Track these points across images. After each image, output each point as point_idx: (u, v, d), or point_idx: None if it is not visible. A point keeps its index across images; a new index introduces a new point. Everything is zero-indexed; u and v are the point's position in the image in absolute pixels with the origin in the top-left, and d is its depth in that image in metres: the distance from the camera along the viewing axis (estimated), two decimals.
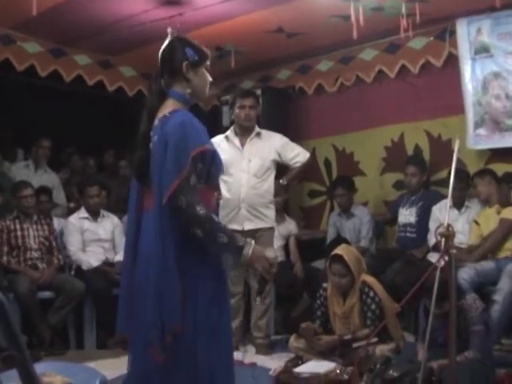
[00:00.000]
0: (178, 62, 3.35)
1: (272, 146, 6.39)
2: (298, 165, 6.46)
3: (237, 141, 6.40)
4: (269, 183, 6.37)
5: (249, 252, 3.12)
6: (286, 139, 6.53)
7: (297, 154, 6.45)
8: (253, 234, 6.18)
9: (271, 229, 6.42)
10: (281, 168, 6.55)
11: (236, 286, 6.37)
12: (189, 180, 3.05)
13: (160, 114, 3.26)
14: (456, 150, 4.36)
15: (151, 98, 3.38)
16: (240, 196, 6.30)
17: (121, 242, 7.36)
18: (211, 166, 3.22)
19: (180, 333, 3.02)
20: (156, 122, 3.27)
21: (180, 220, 3.05)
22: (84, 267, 7.05)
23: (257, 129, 6.43)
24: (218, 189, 3.89)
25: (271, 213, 6.41)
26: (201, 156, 3.13)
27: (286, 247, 7.72)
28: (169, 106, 3.26)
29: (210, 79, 3.46)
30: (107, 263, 7.18)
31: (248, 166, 6.30)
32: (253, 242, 3.18)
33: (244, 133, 6.40)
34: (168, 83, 3.34)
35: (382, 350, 5.19)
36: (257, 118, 6.51)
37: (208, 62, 3.46)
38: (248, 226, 6.31)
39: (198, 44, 3.45)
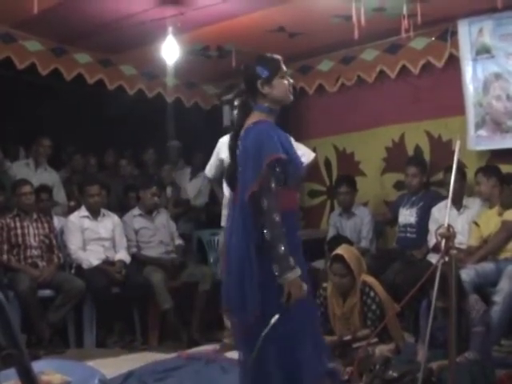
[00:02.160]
0: (253, 82, 3.79)
1: None
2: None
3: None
4: None
5: (292, 276, 3.45)
6: (290, 139, 6.42)
7: (302, 155, 6.33)
8: None
9: None
10: None
11: None
12: (269, 184, 3.54)
13: (246, 125, 3.73)
14: (457, 150, 4.35)
15: (237, 112, 3.89)
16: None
17: (121, 240, 7.39)
18: (287, 169, 3.69)
19: (260, 316, 3.48)
20: (242, 132, 3.75)
21: (258, 218, 3.52)
22: (84, 266, 7.05)
23: None
24: (297, 189, 3.99)
25: None
26: (275, 162, 3.61)
27: None
28: (253, 118, 3.75)
29: (289, 81, 3.85)
30: (107, 262, 7.18)
31: None
32: (299, 271, 3.49)
33: None
34: (253, 99, 3.81)
35: (382, 350, 5.18)
36: None
37: (283, 69, 3.85)
38: None
39: (269, 57, 3.87)
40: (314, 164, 6.62)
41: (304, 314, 3.69)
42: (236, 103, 3.93)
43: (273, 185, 3.55)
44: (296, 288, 3.48)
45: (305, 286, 3.54)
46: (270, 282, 3.51)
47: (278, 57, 3.91)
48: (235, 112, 3.94)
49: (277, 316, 3.45)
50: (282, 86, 3.83)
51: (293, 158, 3.84)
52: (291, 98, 3.92)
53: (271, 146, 3.67)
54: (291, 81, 3.90)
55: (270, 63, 3.82)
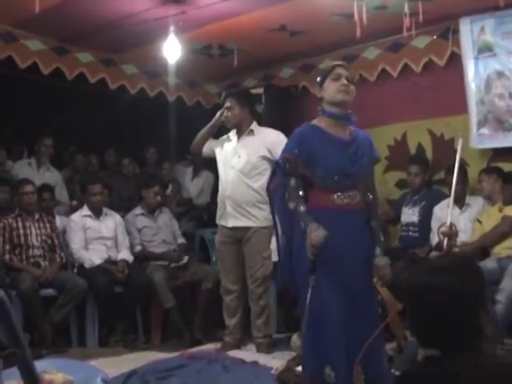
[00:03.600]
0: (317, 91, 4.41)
1: (262, 142, 6.26)
2: None
3: (235, 139, 6.40)
4: (259, 182, 6.18)
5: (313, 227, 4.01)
6: (280, 137, 6.25)
7: None
8: (241, 232, 6.25)
9: (263, 228, 6.23)
10: None
11: (233, 284, 6.39)
12: (288, 180, 4.21)
13: None
14: (459, 149, 4.37)
15: None
16: (226, 193, 6.32)
17: (123, 240, 7.39)
18: (312, 169, 4.16)
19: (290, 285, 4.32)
20: None
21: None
22: (86, 265, 7.05)
23: (251, 126, 6.36)
24: (330, 189, 4.12)
25: (261, 213, 6.21)
26: (285, 161, 4.26)
27: None
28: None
29: (340, 83, 4.23)
30: (109, 261, 7.18)
31: (237, 162, 6.29)
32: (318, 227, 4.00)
33: (238, 131, 6.40)
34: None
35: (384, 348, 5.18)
36: (250, 116, 6.42)
37: (335, 70, 4.28)
38: (232, 224, 6.30)
39: (325, 64, 4.28)
40: None
41: (330, 294, 4.07)
42: None
43: (291, 183, 4.19)
44: (313, 235, 3.97)
45: (321, 234, 3.94)
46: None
47: (337, 62, 4.40)
48: None
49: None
50: (331, 86, 4.24)
51: (321, 159, 4.16)
52: (340, 97, 4.22)
53: (286, 146, 4.35)
54: (344, 81, 4.21)
55: (324, 69, 4.37)
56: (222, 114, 6.41)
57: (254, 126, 6.39)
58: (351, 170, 4.21)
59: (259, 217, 6.22)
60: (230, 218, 6.30)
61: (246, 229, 6.23)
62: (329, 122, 4.28)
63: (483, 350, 2.34)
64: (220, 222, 6.43)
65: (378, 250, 4.26)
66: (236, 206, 6.25)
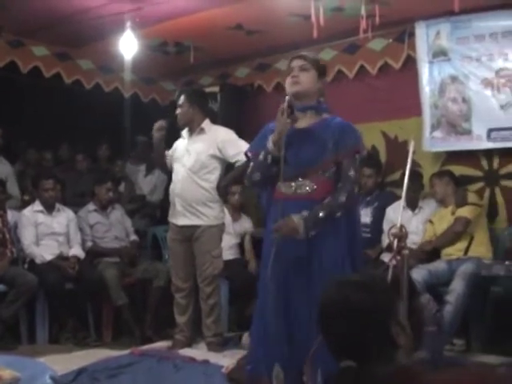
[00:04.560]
0: None
1: (213, 140, 6.22)
2: (239, 164, 6.10)
3: (187, 138, 6.39)
4: (209, 180, 6.21)
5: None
6: (231, 135, 6.29)
7: (238, 153, 6.01)
8: (191, 230, 6.23)
9: (213, 227, 6.24)
10: None
11: (184, 282, 6.38)
12: (250, 174, 4.38)
13: None
14: (411, 151, 4.41)
15: None
16: (175, 191, 6.31)
17: (75, 236, 7.33)
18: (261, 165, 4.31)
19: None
20: None
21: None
22: (37, 261, 6.97)
23: (202, 124, 6.31)
24: (279, 179, 4.15)
25: (210, 211, 6.22)
26: (248, 157, 4.55)
27: (241, 245, 7.73)
28: None
29: (290, 76, 4.33)
30: (61, 257, 7.10)
31: (187, 160, 6.27)
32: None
33: (190, 130, 6.38)
34: None
35: None
36: (201, 114, 6.35)
37: (290, 65, 4.37)
38: (182, 222, 6.28)
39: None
40: None
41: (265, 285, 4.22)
42: None
43: (254, 177, 4.35)
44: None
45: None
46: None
47: (294, 55, 4.42)
48: None
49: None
50: (287, 82, 4.34)
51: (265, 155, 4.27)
52: (290, 89, 4.32)
53: (252, 141, 4.60)
54: (294, 73, 4.32)
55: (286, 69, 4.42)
56: (159, 127, 6.37)
57: (206, 124, 6.34)
58: (294, 158, 4.20)
59: (209, 215, 6.21)
60: (179, 217, 6.28)
61: (196, 227, 6.21)
62: (299, 114, 4.31)
63: (396, 360, 2.45)
64: (171, 219, 6.42)
65: (304, 212, 4.12)
66: (185, 204, 6.23)
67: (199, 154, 6.21)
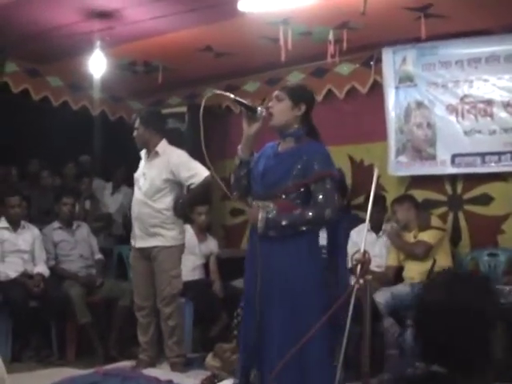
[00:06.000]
0: None
1: (166, 164, 6.26)
2: (193, 186, 6.21)
3: (144, 160, 6.43)
4: (165, 203, 6.23)
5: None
6: (184, 158, 6.34)
7: (192, 175, 6.18)
8: (148, 250, 6.26)
9: (171, 247, 6.26)
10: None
11: (144, 301, 6.38)
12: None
13: None
14: (375, 177, 4.47)
15: None
16: (133, 214, 6.38)
17: (40, 253, 7.29)
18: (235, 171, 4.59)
19: None
20: None
21: None
22: (1, 278, 6.91)
23: (157, 147, 6.33)
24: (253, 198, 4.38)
25: (167, 232, 6.24)
26: None
27: (206, 266, 7.72)
28: None
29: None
30: (26, 275, 7.06)
31: (143, 184, 6.31)
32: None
33: (147, 151, 6.42)
34: None
35: None
36: (157, 136, 6.37)
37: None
38: (139, 244, 6.34)
39: None
40: (208, 184, 6.26)
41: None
42: None
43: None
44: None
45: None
46: None
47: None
48: None
49: None
50: None
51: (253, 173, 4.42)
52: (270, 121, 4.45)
53: None
54: (268, 105, 4.52)
55: None
56: None
57: (161, 146, 6.36)
58: (262, 180, 4.30)
59: (166, 236, 6.23)
60: (137, 239, 6.33)
61: (152, 248, 6.24)
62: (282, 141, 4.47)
63: (490, 376, 2.31)
64: (131, 240, 6.47)
65: (272, 212, 4.23)
66: (142, 227, 6.27)
67: (153, 179, 6.25)
